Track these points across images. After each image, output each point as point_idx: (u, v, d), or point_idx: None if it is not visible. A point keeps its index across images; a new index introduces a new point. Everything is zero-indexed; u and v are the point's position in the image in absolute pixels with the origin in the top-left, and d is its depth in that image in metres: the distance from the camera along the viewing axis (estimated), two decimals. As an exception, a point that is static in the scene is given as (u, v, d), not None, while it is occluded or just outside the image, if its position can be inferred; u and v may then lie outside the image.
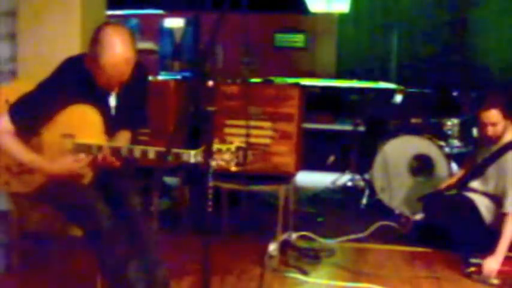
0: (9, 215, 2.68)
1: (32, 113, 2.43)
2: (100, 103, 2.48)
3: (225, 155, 2.19)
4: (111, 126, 2.51)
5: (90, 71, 2.42)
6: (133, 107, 2.62)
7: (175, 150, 2.31)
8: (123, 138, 2.59)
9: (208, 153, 2.01)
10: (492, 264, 3.36)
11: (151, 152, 2.36)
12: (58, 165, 2.40)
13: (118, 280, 2.40)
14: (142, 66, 2.65)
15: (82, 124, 2.44)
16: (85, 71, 2.42)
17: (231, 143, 2.22)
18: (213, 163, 2.13)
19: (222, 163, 2.19)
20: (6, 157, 2.49)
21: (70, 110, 2.43)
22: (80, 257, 3.19)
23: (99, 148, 2.40)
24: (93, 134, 2.44)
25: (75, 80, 2.43)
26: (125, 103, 2.56)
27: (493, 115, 3.60)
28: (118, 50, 2.33)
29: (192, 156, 2.29)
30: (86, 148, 2.41)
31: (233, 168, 2.21)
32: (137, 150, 2.39)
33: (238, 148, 2.21)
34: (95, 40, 2.34)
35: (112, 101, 2.53)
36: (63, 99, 2.43)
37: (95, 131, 2.44)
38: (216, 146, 2.18)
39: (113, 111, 2.53)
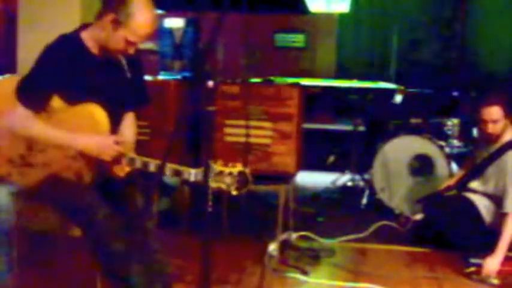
0: (9, 215, 2.68)
1: (40, 91, 2.40)
2: (98, 74, 2.46)
3: (226, 178, 2.20)
4: (112, 99, 2.48)
5: (89, 44, 2.43)
6: (134, 85, 2.60)
7: (176, 166, 2.30)
8: (128, 131, 2.60)
9: (207, 154, 2.01)
10: (492, 264, 3.36)
11: (152, 165, 2.36)
12: (95, 141, 2.37)
13: (119, 280, 2.40)
14: None
15: (89, 124, 2.43)
16: (81, 43, 2.43)
17: (234, 166, 2.22)
18: (213, 185, 2.16)
19: (223, 186, 2.20)
20: (9, 149, 2.50)
21: (77, 109, 2.43)
22: (80, 257, 3.19)
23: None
24: (100, 134, 2.43)
25: (70, 53, 2.42)
26: (125, 77, 2.55)
27: (495, 112, 3.59)
28: (152, 11, 2.36)
29: (193, 175, 2.28)
30: None
31: (234, 193, 2.22)
32: (138, 161, 2.39)
33: (240, 173, 2.21)
34: (123, 1, 2.33)
35: (111, 71, 2.51)
36: (62, 71, 2.40)
37: (101, 131, 2.44)
38: (218, 168, 2.19)
39: (113, 82, 2.52)
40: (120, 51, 2.43)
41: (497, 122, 3.61)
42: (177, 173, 2.30)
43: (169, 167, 2.30)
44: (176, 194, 4.42)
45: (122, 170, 2.44)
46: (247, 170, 2.22)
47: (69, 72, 2.39)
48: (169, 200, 4.64)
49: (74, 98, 2.42)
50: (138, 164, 2.40)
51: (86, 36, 2.47)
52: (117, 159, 2.40)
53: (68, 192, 2.42)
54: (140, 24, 2.35)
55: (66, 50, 2.42)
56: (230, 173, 2.21)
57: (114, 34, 2.37)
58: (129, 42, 2.38)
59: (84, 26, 2.51)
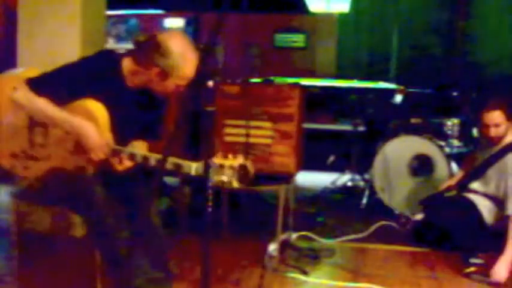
0: (10, 215, 2.68)
1: (53, 88, 2.37)
2: (122, 104, 2.47)
3: (227, 171, 2.16)
4: (125, 128, 2.48)
5: (126, 74, 2.45)
6: (151, 119, 2.63)
7: (177, 160, 2.28)
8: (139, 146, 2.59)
9: (207, 153, 2.00)
10: (501, 269, 3.30)
11: (153, 159, 2.36)
12: (93, 130, 2.34)
13: (120, 275, 2.40)
14: None
15: (89, 120, 2.42)
16: (119, 69, 2.44)
17: (234, 158, 2.18)
18: (215, 179, 2.12)
19: (224, 179, 2.15)
20: (12, 144, 2.50)
21: (78, 104, 2.41)
22: (80, 257, 3.19)
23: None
24: (100, 130, 2.43)
25: (106, 71, 2.43)
26: (144, 110, 2.56)
27: (497, 116, 3.61)
28: (191, 50, 2.39)
29: (194, 169, 2.26)
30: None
31: (235, 185, 2.18)
32: (139, 156, 2.39)
33: (241, 166, 2.17)
34: (166, 51, 2.34)
35: (134, 103, 2.52)
36: (87, 84, 2.39)
37: (101, 127, 2.43)
38: (218, 161, 2.15)
39: (132, 114, 2.52)
40: (169, 93, 2.48)
41: (499, 126, 3.63)
42: (178, 167, 2.28)
43: (170, 161, 2.29)
44: (176, 194, 4.41)
45: (120, 164, 2.42)
46: (248, 163, 2.18)
47: (95, 89, 2.39)
48: (169, 200, 4.64)
49: None
50: (138, 158, 2.39)
51: (126, 65, 2.46)
52: (114, 153, 2.39)
53: (72, 183, 2.42)
54: (187, 71, 2.38)
55: (103, 67, 2.43)
56: (231, 167, 2.18)
57: (162, 83, 2.41)
58: (179, 86, 2.43)
59: (130, 53, 2.49)
